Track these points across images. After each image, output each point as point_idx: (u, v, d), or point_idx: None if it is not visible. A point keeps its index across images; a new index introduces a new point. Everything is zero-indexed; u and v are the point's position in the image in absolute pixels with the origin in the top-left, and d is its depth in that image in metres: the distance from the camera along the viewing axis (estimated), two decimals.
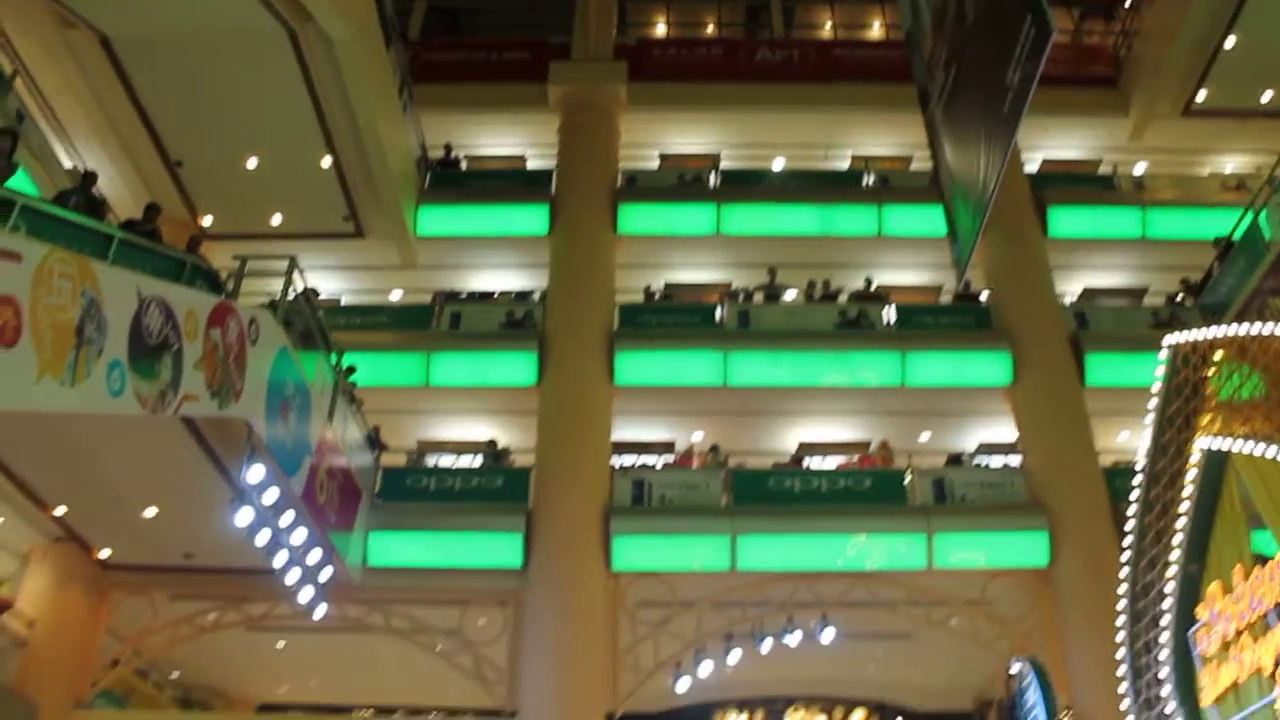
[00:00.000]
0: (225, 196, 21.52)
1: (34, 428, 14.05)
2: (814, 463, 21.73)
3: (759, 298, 22.53)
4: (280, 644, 21.29)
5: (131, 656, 19.19)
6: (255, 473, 13.48)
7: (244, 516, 13.77)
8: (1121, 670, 12.67)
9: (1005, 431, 21.28)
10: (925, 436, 22.17)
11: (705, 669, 18.57)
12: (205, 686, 24.35)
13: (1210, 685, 11.10)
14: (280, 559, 15.00)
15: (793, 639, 18.50)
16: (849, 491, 19.18)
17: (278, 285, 15.08)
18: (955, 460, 20.65)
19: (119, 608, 19.10)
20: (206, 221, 21.60)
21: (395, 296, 23.91)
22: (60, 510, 17.34)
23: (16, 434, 14.87)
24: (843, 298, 22.47)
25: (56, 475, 16.28)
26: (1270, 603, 10.24)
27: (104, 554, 18.55)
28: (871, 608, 18.80)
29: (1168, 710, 11.79)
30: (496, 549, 18.32)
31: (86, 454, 15.09)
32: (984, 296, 22.63)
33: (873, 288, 22.95)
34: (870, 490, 19.20)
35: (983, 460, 21.80)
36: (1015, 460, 20.64)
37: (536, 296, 22.60)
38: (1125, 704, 12.57)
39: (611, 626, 18.21)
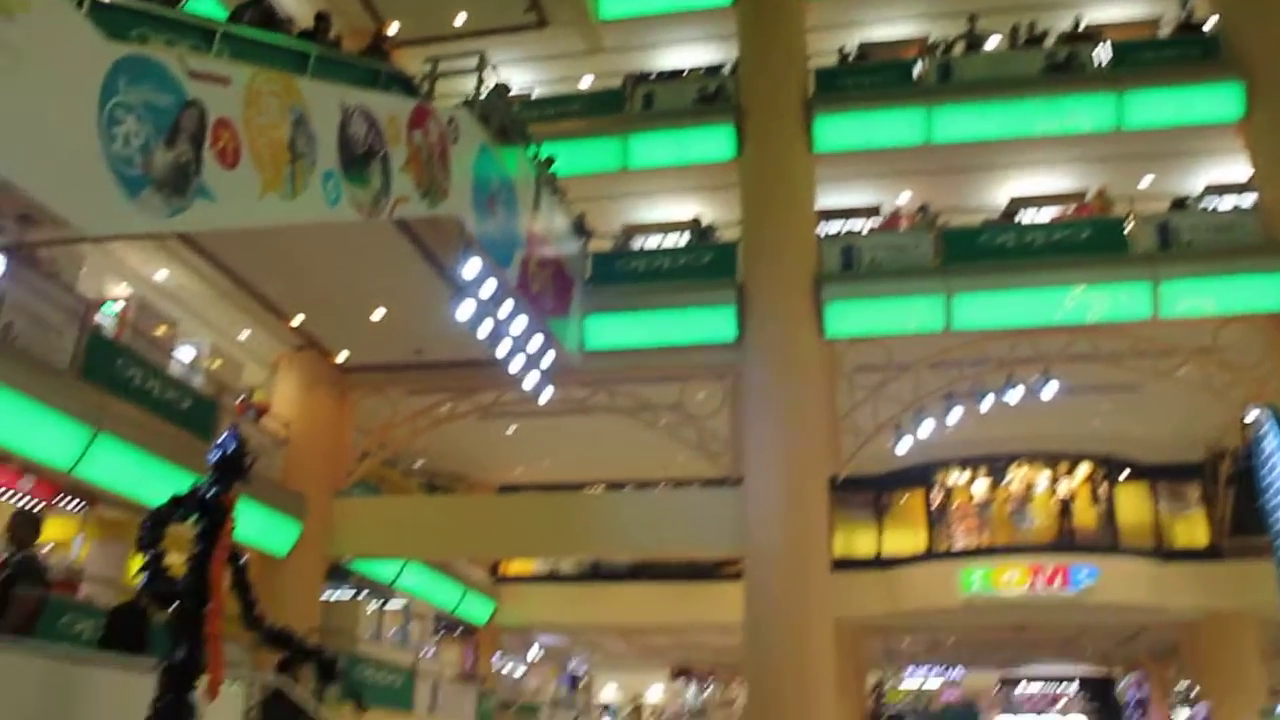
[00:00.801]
0: (408, 1, 21.63)
1: (266, 244, 14.89)
2: (1027, 216, 20.95)
3: (959, 49, 21.41)
4: (511, 429, 22.41)
5: (378, 449, 20.56)
6: (471, 267, 13.96)
7: (465, 310, 14.34)
8: None
9: (1236, 171, 19.91)
10: (1146, 181, 20.98)
11: (925, 429, 18.64)
12: (447, 473, 26.05)
13: None
14: (503, 348, 15.62)
15: (1013, 396, 18.26)
16: (1066, 243, 18.43)
17: (468, 85, 15.22)
18: (1180, 204, 19.52)
19: (361, 405, 20.42)
20: (392, 29, 21.82)
21: (585, 84, 23.78)
22: (298, 320, 18.49)
23: (251, 251, 15.83)
24: (1049, 41, 21.11)
25: (291, 288, 17.32)
26: None
27: (342, 357, 19.77)
28: (1094, 360, 18.31)
29: None
30: (710, 324, 18.55)
31: (315, 265, 15.94)
32: (1209, 25, 20.84)
33: (1082, 27, 21.44)
34: (1089, 240, 18.39)
35: (1211, 202, 20.51)
36: (1248, 200, 19.35)
37: (728, 69, 22.09)
38: None
39: (829, 392, 18.34)
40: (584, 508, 19.85)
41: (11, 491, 15.25)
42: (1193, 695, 23.83)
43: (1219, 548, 23.09)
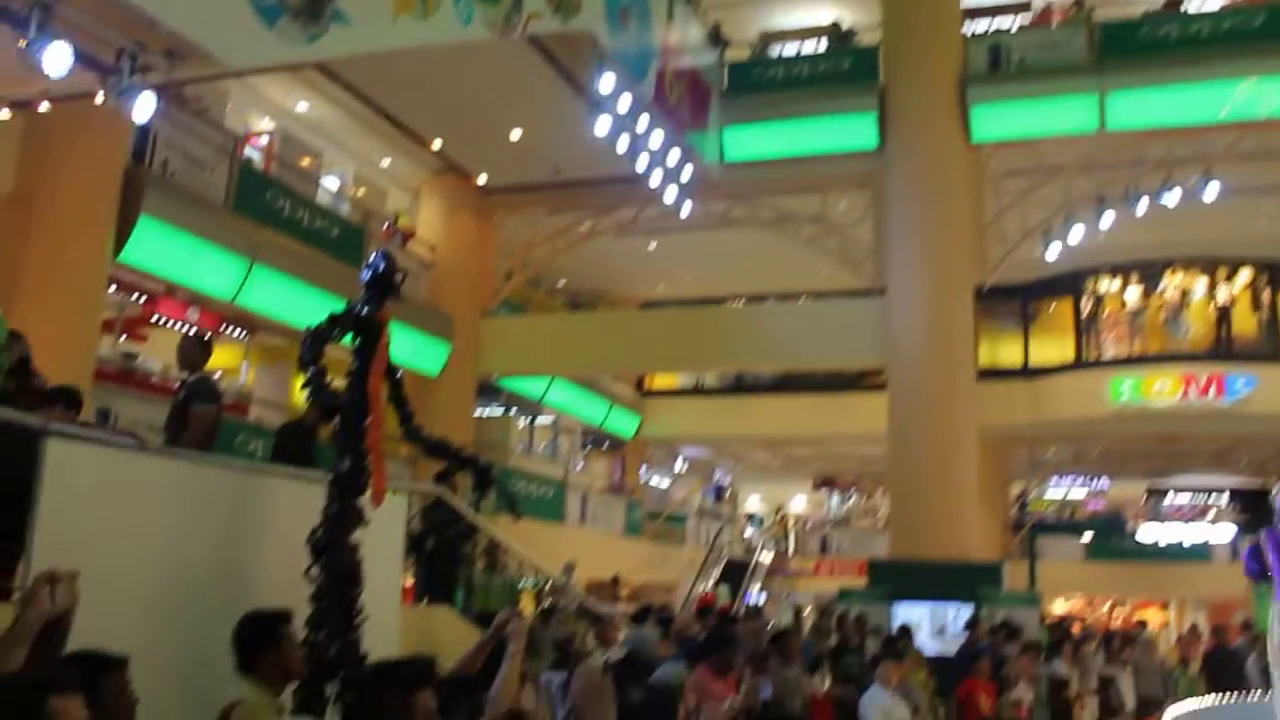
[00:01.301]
0: None
1: (402, 69, 14.95)
2: (1193, 5, 19.61)
3: None
4: (652, 245, 22.44)
5: (521, 269, 20.88)
6: (606, 81, 13.78)
7: (602, 125, 14.23)
8: None
9: None
10: None
11: (1075, 234, 17.99)
12: (590, 290, 26.34)
13: None
14: (642, 163, 15.52)
15: (1170, 198, 17.47)
16: (1236, 32, 17.20)
17: None
18: None
19: (503, 227, 20.68)
20: None
21: None
22: (437, 144, 18.66)
23: (388, 78, 15.94)
24: None
25: (428, 112, 17.46)
26: None
27: (482, 179, 19.95)
28: (1263, 159, 17.35)
29: None
30: (851, 131, 18.05)
31: (451, 88, 16.00)
32: None
33: None
34: (1262, 28, 17.11)
35: None
36: None
37: None
38: None
39: (975, 198, 17.83)
40: (726, 321, 19.94)
41: (181, 322, 16.02)
42: None
43: None
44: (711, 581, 25.93)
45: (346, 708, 4.23)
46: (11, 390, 6.57)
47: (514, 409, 23.67)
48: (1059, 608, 26.20)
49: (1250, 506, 29.92)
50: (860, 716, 8.42)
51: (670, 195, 16.82)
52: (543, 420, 25.62)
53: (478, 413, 21.08)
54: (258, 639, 4.50)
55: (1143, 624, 21.97)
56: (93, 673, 3.28)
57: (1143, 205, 17.60)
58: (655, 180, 16.25)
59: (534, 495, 19.31)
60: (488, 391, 22.10)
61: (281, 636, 4.53)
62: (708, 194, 18.19)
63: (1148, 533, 29.14)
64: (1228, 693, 12.35)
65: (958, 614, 13.97)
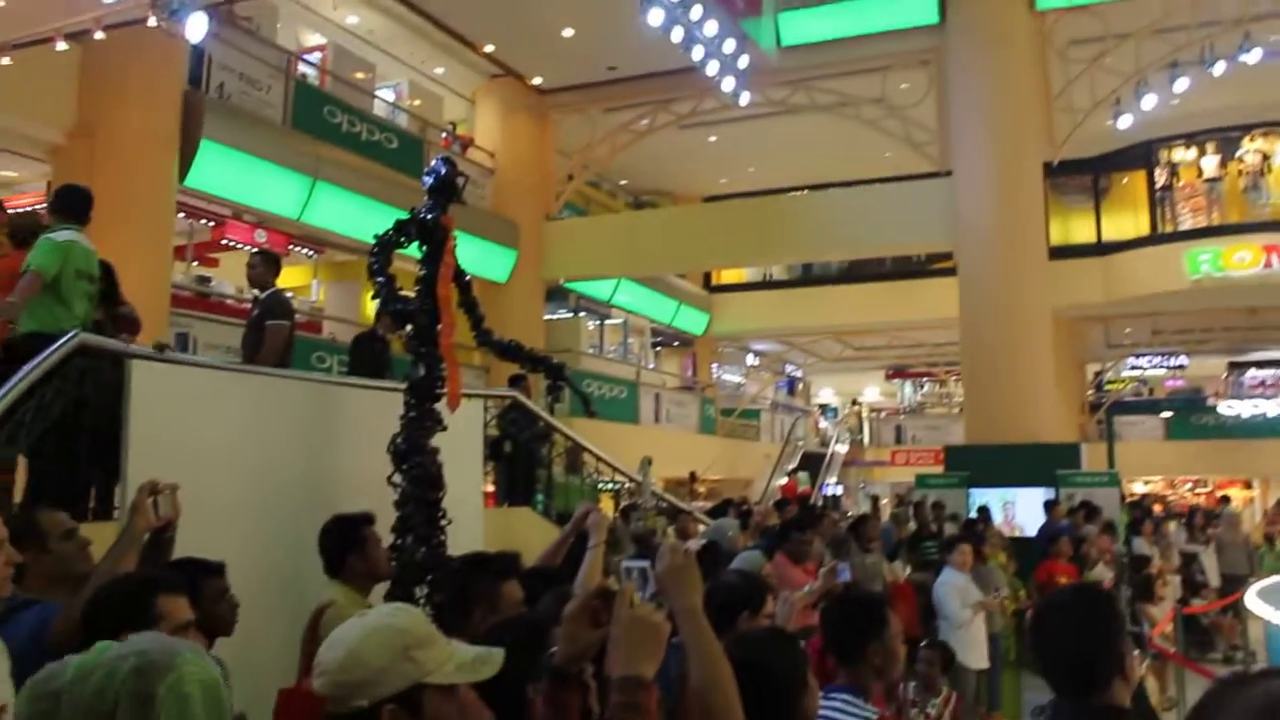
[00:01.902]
0: None
1: None
2: None
3: None
4: (712, 139, 22.18)
5: (581, 170, 20.77)
6: None
7: (655, 17, 13.94)
8: None
9: None
10: None
11: (1148, 103, 17.41)
12: (652, 189, 26.18)
13: None
14: (697, 53, 15.22)
15: (1250, 57, 16.81)
16: None
17: None
18: None
19: (561, 128, 20.54)
20: None
21: None
22: (489, 48, 18.48)
23: None
24: None
25: (479, 16, 17.28)
26: None
27: (537, 81, 19.78)
28: None
29: None
30: (909, 6, 17.55)
31: None
32: None
33: None
34: None
35: None
36: None
37: None
38: None
39: (1041, 70, 17.32)
40: (790, 211, 19.68)
41: (249, 245, 16.24)
42: None
43: None
44: (786, 477, 26.07)
45: (436, 608, 4.33)
46: (102, 319, 6.74)
47: (583, 312, 23.75)
48: (1140, 489, 26.01)
49: None
50: (934, 598, 8.49)
51: (728, 85, 16.52)
52: (612, 321, 25.69)
53: (547, 317, 21.18)
54: (343, 542, 4.62)
55: (1226, 500, 21.76)
56: (194, 577, 3.40)
57: (1219, 67, 16.95)
58: (712, 70, 15.97)
59: (606, 396, 19.44)
60: (556, 295, 22.17)
61: (365, 538, 4.65)
62: (766, 82, 17.85)
63: (1229, 409, 28.66)
64: None
65: (1036, 497, 13.91)
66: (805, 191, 20.18)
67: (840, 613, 3.44)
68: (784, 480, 25.72)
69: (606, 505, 12.75)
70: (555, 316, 21.93)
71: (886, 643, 3.28)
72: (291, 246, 17.36)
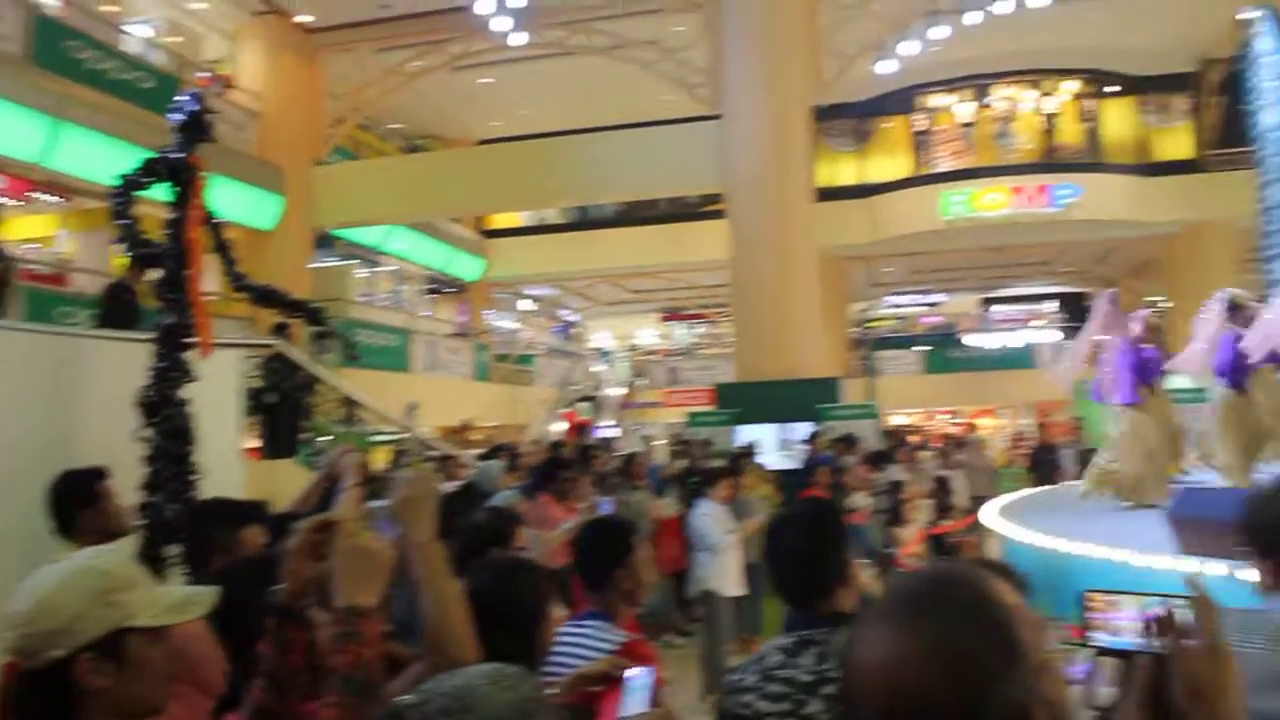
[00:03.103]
0: None
1: None
2: None
3: None
4: (486, 80, 21.93)
5: (351, 113, 20.20)
6: None
7: None
8: None
9: None
10: None
11: (908, 49, 18.18)
12: (425, 134, 25.72)
13: None
14: None
15: (1000, 6, 17.68)
16: None
17: None
18: None
19: (330, 68, 19.91)
20: None
21: None
22: None
23: None
24: None
25: None
26: None
27: (304, 18, 19.07)
28: None
29: None
30: None
31: None
32: None
33: None
34: None
35: None
36: None
37: None
38: None
39: (810, 15, 17.73)
40: (565, 154, 19.65)
41: None
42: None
43: (1203, 160, 23.15)
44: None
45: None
46: None
47: (354, 259, 23.20)
48: (901, 420, 27.28)
49: (1072, 310, 31.49)
50: (692, 529, 8.73)
51: (501, 24, 16.36)
52: (384, 269, 25.20)
53: (315, 265, 20.60)
54: (74, 498, 4.36)
55: (973, 428, 23.14)
56: None
57: (972, 16, 17.80)
58: (484, 8, 15.76)
59: (379, 345, 19.07)
60: (325, 243, 21.56)
61: (98, 494, 4.40)
62: (541, 22, 17.75)
63: (976, 342, 30.41)
64: (1048, 485, 13.21)
65: (800, 431, 14.45)
66: (579, 135, 20.15)
67: (587, 540, 3.49)
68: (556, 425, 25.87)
69: (383, 455, 12.59)
70: (324, 264, 21.33)
71: (633, 568, 3.35)
72: (33, 193, 16.28)
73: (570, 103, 22.80)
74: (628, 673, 2.57)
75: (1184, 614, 1.40)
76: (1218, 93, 22.58)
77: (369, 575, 2.02)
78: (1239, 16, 14.70)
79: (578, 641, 3.17)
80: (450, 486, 7.18)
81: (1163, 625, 1.41)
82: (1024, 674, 1.17)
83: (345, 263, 22.41)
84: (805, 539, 2.77)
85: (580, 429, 18.85)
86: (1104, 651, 1.54)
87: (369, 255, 23.80)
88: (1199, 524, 5.45)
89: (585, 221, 27.74)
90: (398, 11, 18.49)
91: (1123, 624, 1.51)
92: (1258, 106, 13.97)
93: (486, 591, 2.53)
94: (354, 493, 4.07)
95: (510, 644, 2.47)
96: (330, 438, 10.60)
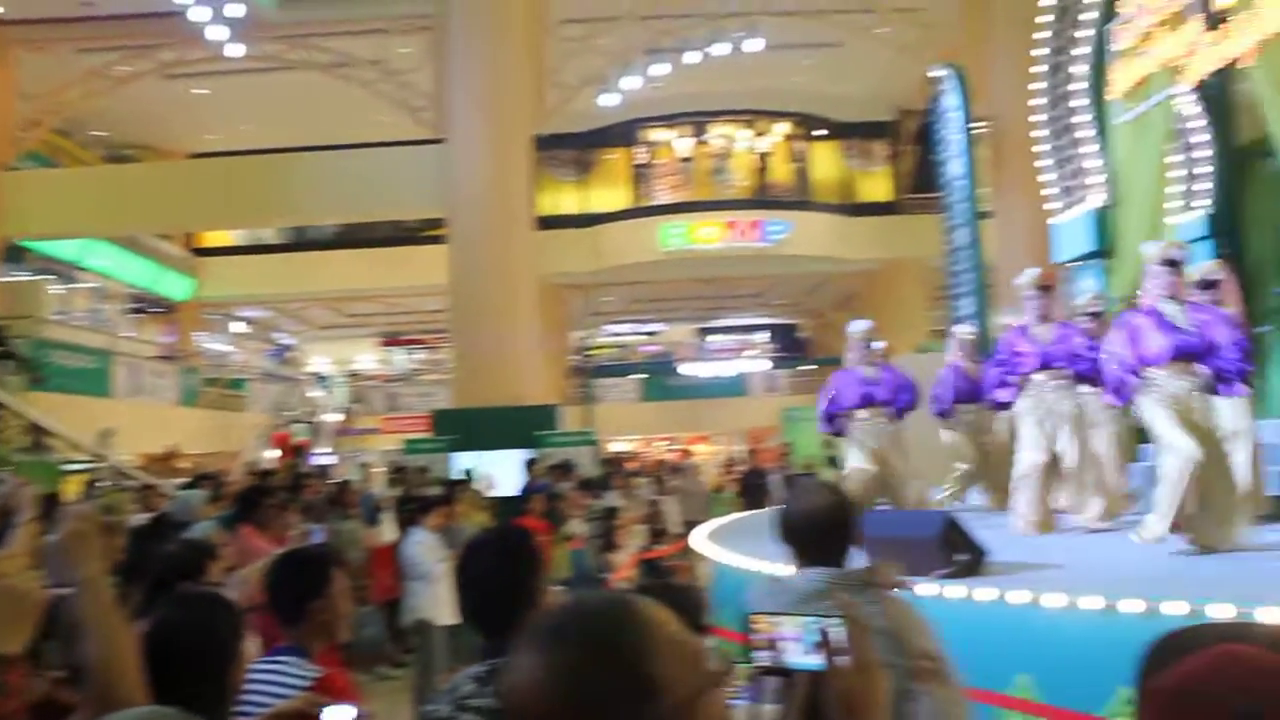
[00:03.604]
0: None
1: None
2: None
3: None
4: (201, 91, 21.02)
5: (47, 115, 18.89)
6: None
7: None
8: (1039, 68, 12.62)
9: None
10: None
11: (630, 84, 18.64)
12: (132, 143, 24.35)
13: (1121, 79, 11.17)
14: None
15: (718, 49, 18.39)
16: None
17: None
18: None
19: (24, 67, 18.54)
20: None
21: None
22: None
23: None
24: None
25: None
26: None
27: None
28: (801, 16, 18.57)
29: (1075, 104, 11.93)
30: None
31: None
32: None
33: None
34: None
35: None
36: None
37: None
38: (1039, 100, 12.63)
39: (536, 45, 17.89)
40: (282, 172, 19.03)
41: None
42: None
43: (898, 202, 24.85)
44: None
45: None
46: None
47: (49, 274, 21.61)
48: (619, 447, 27.70)
49: (783, 340, 32.97)
50: (403, 558, 8.61)
51: (217, 33, 15.70)
52: (82, 285, 23.64)
53: (4, 279, 19.08)
54: None
55: (687, 454, 23.82)
56: None
57: (692, 55, 18.44)
58: (199, 15, 15.08)
59: (74, 367, 17.80)
60: (15, 255, 19.99)
61: None
62: (261, 35, 17.19)
63: (692, 371, 31.34)
64: (757, 509, 13.69)
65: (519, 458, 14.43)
66: (298, 152, 19.57)
67: (280, 572, 3.34)
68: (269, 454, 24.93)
69: (74, 487, 11.75)
70: (12, 279, 19.76)
71: (330, 600, 3.22)
72: None
73: (291, 120, 22.16)
74: (325, 710, 2.48)
75: (838, 633, 1.51)
76: (913, 142, 24.24)
77: (14, 621, 1.85)
78: (930, 73, 15.73)
79: (271, 679, 3.03)
80: (143, 518, 6.76)
81: (820, 644, 1.51)
82: (659, 710, 1.16)
83: (38, 278, 20.84)
84: (495, 565, 2.74)
85: (297, 451, 18.23)
86: (767, 671, 1.60)
87: (66, 270, 22.27)
88: (885, 543, 5.53)
89: (303, 242, 26.96)
90: (102, 11, 17.47)
91: (785, 643, 1.58)
92: (945, 157, 15.08)
93: (174, 627, 2.40)
94: (28, 528, 3.78)
95: (200, 683, 2.36)
96: (10, 468, 9.81)
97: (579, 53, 18.34)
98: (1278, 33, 8.71)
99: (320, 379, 33.84)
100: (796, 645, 1.57)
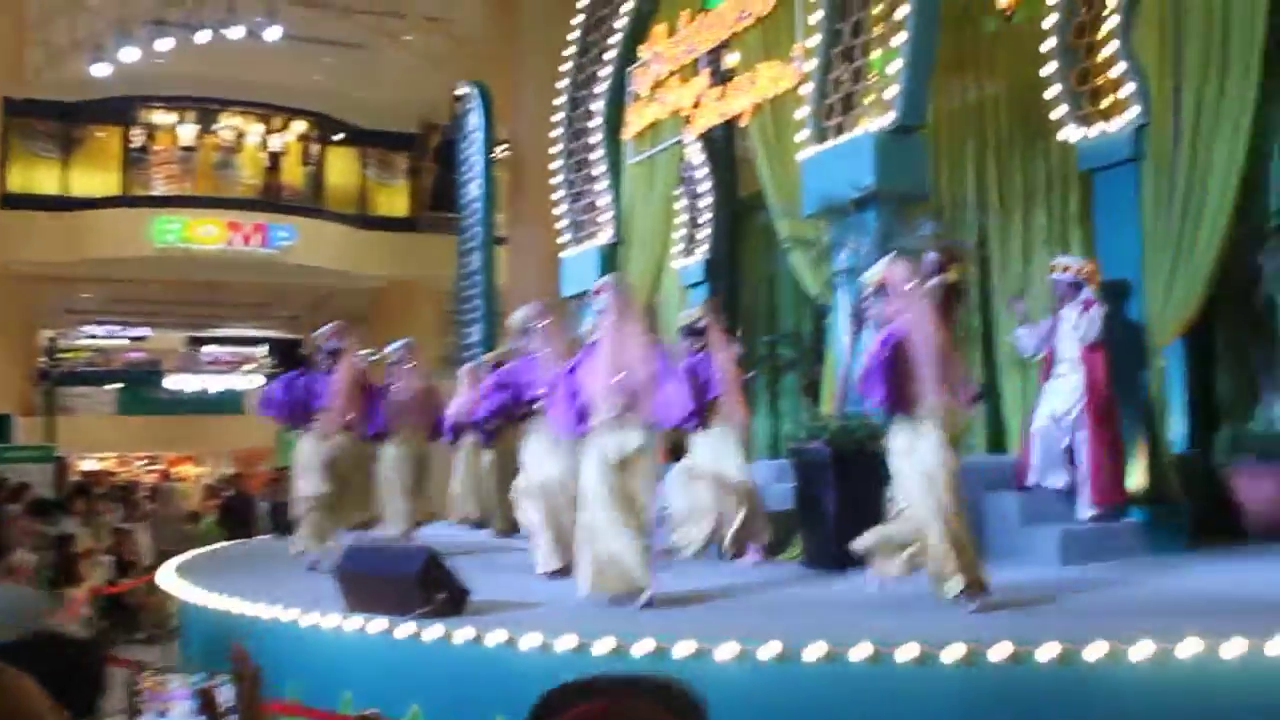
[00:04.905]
0: None
1: None
2: None
3: None
4: None
5: None
6: None
7: None
8: (561, 100, 12.61)
9: None
10: None
11: (128, 54, 16.83)
12: None
13: (635, 121, 11.42)
14: None
15: (234, 33, 17.03)
16: None
17: None
18: None
19: None
20: None
21: None
22: None
23: None
24: None
25: None
26: (703, 49, 10.41)
27: None
28: (324, 9, 17.63)
29: (592, 140, 12.01)
30: None
31: None
32: None
33: None
34: None
35: None
36: None
37: None
38: (558, 132, 12.63)
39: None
40: None
41: None
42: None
43: (416, 219, 24.23)
44: None
45: None
46: None
47: None
48: (92, 465, 24.84)
49: (283, 356, 31.24)
50: None
51: None
52: None
53: None
54: None
55: (166, 476, 21.78)
56: None
57: (204, 35, 17.02)
58: None
59: None
60: None
61: None
62: None
63: (180, 384, 29.07)
64: (242, 538, 12.41)
65: None
66: None
67: None
68: None
69: None
70: None
71: None
72: None
73: None
74: None
75: (226, 689, 1.50)
76: (434, 158, 23.71)
77: None
78: (456, 90, 15.36)
79: None
80: None
81: (205, 701, 1.52)
82: None
83: None
84: None
85: None
86: None
87: None
88: (362, 581, 5.57)
89: None
90: None
91: (173, 702, 1.56)
92: (465, 177, 14.72)
93: None
94: None
95: None
96: None
97: (69, 9, 16.28)
98: (770, 98, 9.38)
99: None
100: (185, 704, 1.55)
